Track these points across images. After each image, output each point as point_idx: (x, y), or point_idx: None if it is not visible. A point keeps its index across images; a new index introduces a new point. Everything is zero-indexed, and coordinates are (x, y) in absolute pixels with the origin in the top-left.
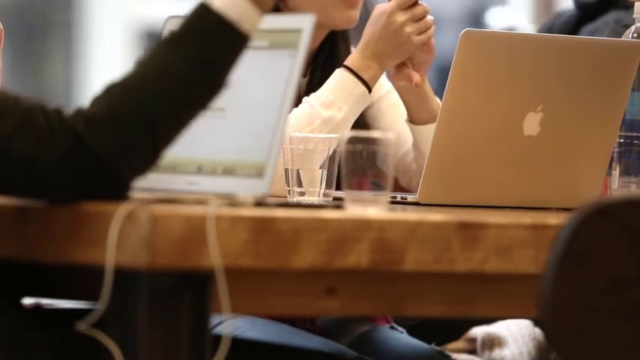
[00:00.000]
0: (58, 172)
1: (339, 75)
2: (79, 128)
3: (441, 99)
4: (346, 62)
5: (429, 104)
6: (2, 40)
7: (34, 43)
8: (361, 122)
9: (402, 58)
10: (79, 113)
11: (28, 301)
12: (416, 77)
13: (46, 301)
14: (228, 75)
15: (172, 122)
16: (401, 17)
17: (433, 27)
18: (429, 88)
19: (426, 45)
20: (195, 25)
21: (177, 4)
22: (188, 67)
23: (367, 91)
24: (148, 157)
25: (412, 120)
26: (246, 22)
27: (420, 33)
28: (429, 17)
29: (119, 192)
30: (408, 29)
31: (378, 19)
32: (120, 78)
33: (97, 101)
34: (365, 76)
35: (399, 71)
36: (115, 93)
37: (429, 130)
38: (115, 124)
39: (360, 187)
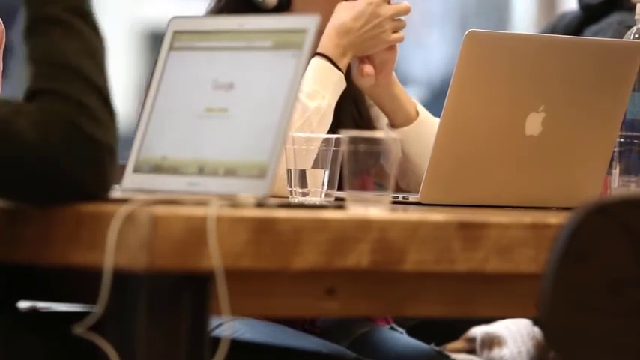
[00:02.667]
0: (55, 163)
1: (317, 64)
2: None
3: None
4: (322, 50)
5: (401, 106)
6: (4, 40)
7: None
8: (364, 122)
9: (371, 52)
10: (47, 108)
11: (24, 304)
12: (367, 68)
13: (42, 304)
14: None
15: (101, 73)
16: (386, 11)
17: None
18: (401, 90)
19: (392, 45)
20: None
21: (181, 4)
22: (73, 24)
23: (343, 75)
24: (111, 117)
25: (390, 124)
26: None
27: (394, 31)
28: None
29: (113, 168)
30: (387, 25)
31: (365, 8)
32: (37, 72)
33: (41, 93)
34: (341, 64)
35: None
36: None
37: (406, 133)
38: (78, 107)
39: (363, 188)
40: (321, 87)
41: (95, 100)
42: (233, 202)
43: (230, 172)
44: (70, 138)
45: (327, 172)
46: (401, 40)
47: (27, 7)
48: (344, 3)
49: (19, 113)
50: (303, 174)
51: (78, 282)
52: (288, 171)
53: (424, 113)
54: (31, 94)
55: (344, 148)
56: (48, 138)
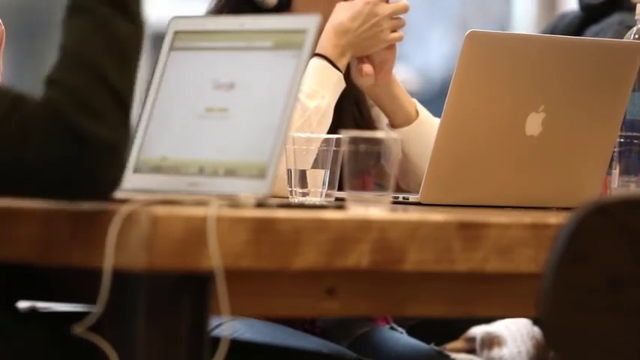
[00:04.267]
0: (44, 161)
1: (316, 65)
2: (56, 115)
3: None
4: (321, 50)
5: (401, 106)
6: (3, 40)
7: (36, 43)
8: (364, 122)
9: (370, 51)
10: (47, 100)
11: (24, 304)
12: (366, 68)
13: (42, 304)
14: (141, 7)
15: (121, 69)
16: (384, 10)
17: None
18: (401, 90)
19: (391, 44)
20: None
21: (181, 5)
22: (100, 14)
23: (342, 75)
24: (121, 115)
25: (390, 124)
26: None
27: (393, 30)
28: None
29: (112, 169)
30: (385, 25)
31: (363, 8)
32: (56, 63)
33: (50, 84)
34: (339, 65)
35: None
36: (61, 74)
37: (406, 133)
38: (79, 101)
39: (363, 188)
40: (321, 87)
41: (104, 97)
42: (233, 202)
43: (230, 172)
44: (60, 136)
45: (327, 172)
46: (399, 39)
47: None
48: (342, 3)
49: (14, 108)
50: (303, 174)
51: (78, 282)
52: (289, 171)
53: (424, 113)
54: (47, 82)
55: (344, 148)
56: (33, 139)
